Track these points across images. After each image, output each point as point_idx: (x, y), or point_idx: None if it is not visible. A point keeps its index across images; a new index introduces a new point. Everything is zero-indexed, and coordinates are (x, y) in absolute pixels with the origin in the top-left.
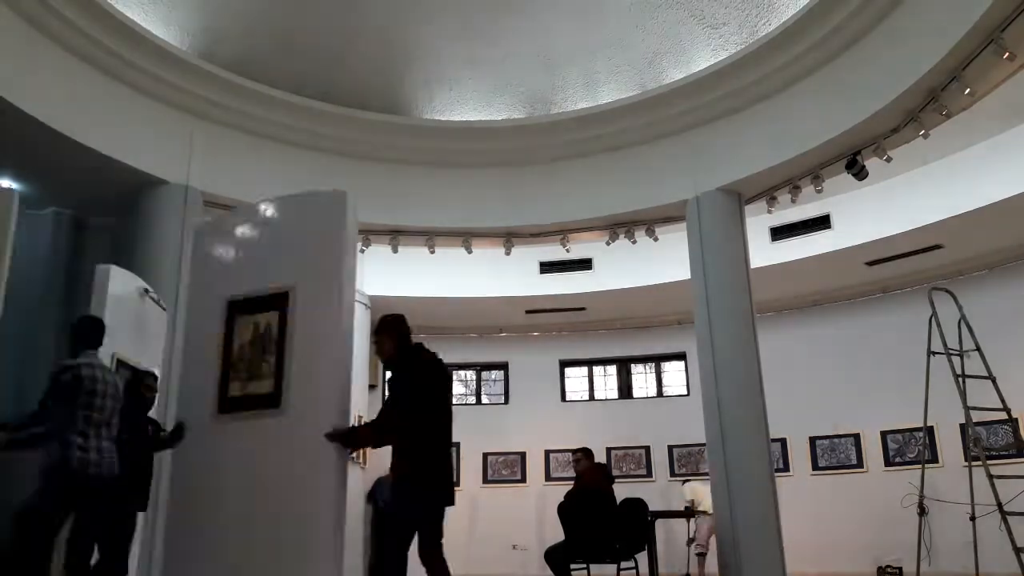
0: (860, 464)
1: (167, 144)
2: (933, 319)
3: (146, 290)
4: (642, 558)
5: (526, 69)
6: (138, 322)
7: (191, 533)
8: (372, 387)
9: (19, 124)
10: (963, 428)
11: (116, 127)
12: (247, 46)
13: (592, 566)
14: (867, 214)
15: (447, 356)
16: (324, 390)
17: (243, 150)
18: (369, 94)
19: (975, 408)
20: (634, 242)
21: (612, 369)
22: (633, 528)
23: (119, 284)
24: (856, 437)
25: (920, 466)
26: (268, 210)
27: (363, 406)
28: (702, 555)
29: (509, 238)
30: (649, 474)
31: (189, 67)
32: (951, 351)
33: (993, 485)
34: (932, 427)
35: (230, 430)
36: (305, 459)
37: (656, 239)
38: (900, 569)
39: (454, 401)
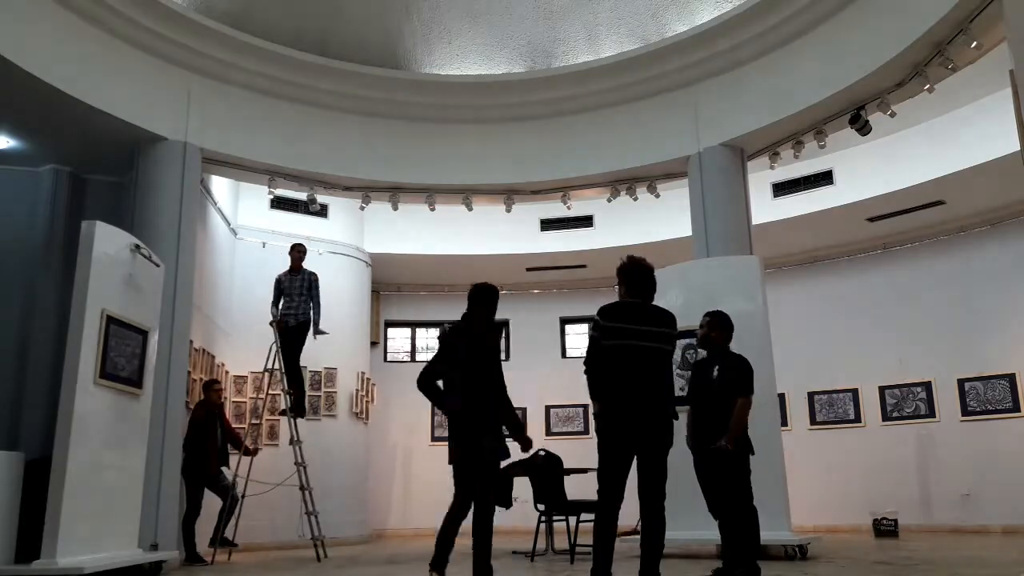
0: (858, 419)
1: (165, 100)
2: None
3: (137, 246)
4: None
5: (527, 21)
6: (129, 279)
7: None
8: (374, 344)
9: (16, 80)
10: (960, 384)
11: (114, 83)
12: (244, 0)
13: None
14: (870, 170)
15: (447, 314)
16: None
17: (241, 106)
18: (367, 48)
19: None
20: (635, 199)
21: None
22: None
23: (107, 241)
24: (854, 392)
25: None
26: (694, 269)
27: (365, 364)
28: None
29: (510, 195)
30: None
31: (186, 22)
32: None
33: None
34: (930, 382)
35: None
36: None
37: (658, 196)
38: (895, 521)
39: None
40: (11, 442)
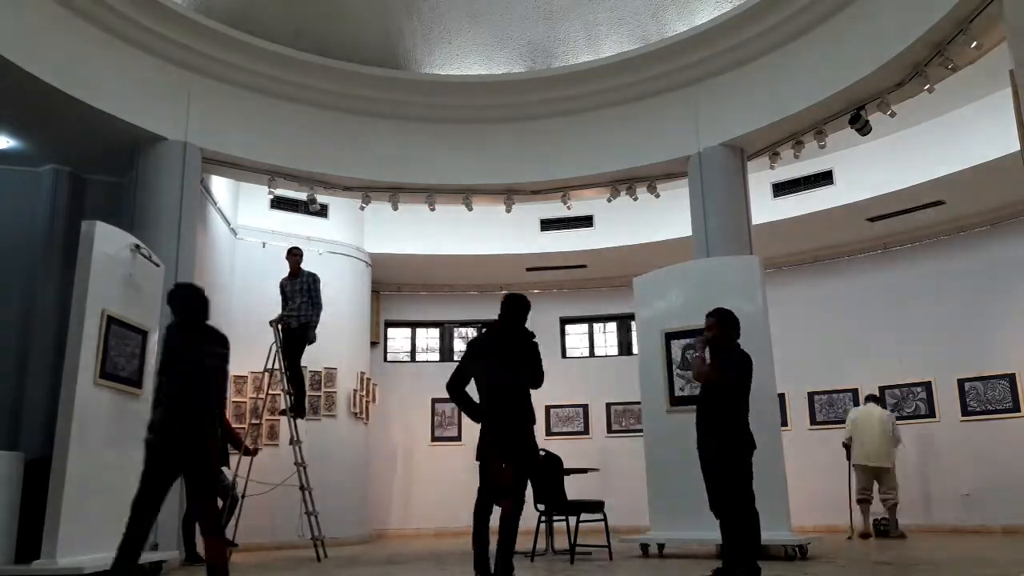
0: None
1: (165, 100)
2: None
3: (137, 246)
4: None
5: (527, 21)
6: (129, 279)
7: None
8: (374, 344)
9: (16, 80)
10: (960, 384)
11: (114, 83)
12: (244, 0)
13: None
14: (870, 170)
15: (447, 314)
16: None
17: (241, 106)
18: (367, 48)
19: None
20: (635, 199)
21: (612, 326)
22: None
23: (107, 241)
24: (854, 392)
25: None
26: (694, 269)
27: (365, 364)
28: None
29: (510, 195)
30: None
31: (186, 22)
32: None
33: None
34: (930, 382)
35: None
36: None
37: (658, 196)
38: (896, 522)
39: (457, 357)
40: (11, 442)
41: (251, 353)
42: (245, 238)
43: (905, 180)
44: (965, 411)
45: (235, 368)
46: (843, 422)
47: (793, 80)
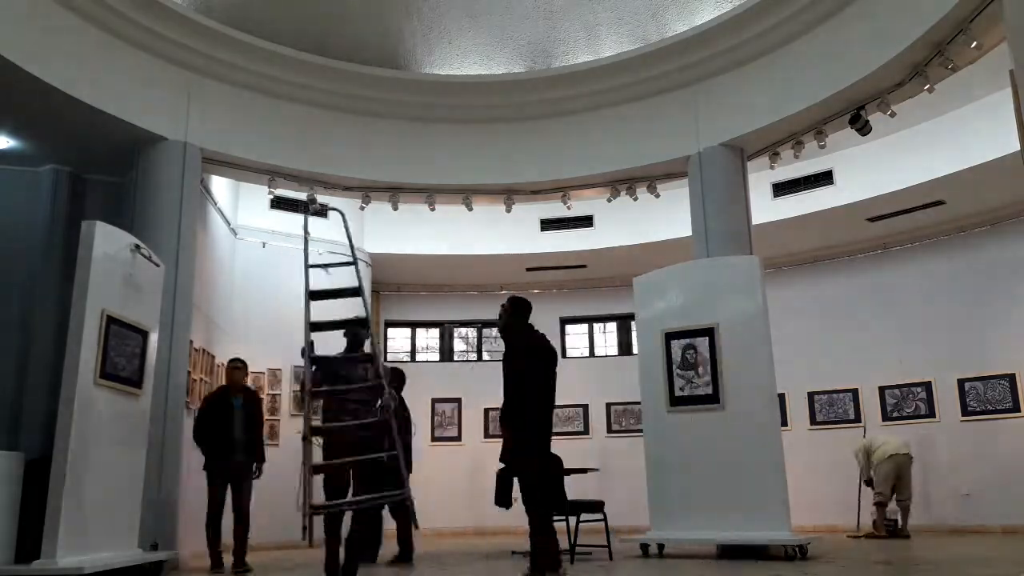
0: (858, 419)
1: (165, 100)
2: None
3: (137, 246)
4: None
5: (527, 21)
6: (129, 279)
7: (669, 484)
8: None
9: (16, 80)
10: (960, 384)
11: (114, 83)
12: (244, 0)
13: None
14: (870, 170)
15: (447, 314)
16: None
17: (242, 106)
18: (367, 48)
19: None
20: (635, 199)
21: (612, 326)
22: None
23: (107, 240)
24: (854, 392)
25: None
26: (694, 269)
27: None
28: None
29: (509, 195)
30: None
31: (186, 22)
32: None
33: None
34: (930, 382)
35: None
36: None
37: (658, 196)
38: (895, 521)
39: (457, 357)
40: (11, 442)
41: (251, 353)
42: (245, 238)
43: (905, 180)
44: (965, 411)
45: None
46: (843, 422)
47: (793, 80)
